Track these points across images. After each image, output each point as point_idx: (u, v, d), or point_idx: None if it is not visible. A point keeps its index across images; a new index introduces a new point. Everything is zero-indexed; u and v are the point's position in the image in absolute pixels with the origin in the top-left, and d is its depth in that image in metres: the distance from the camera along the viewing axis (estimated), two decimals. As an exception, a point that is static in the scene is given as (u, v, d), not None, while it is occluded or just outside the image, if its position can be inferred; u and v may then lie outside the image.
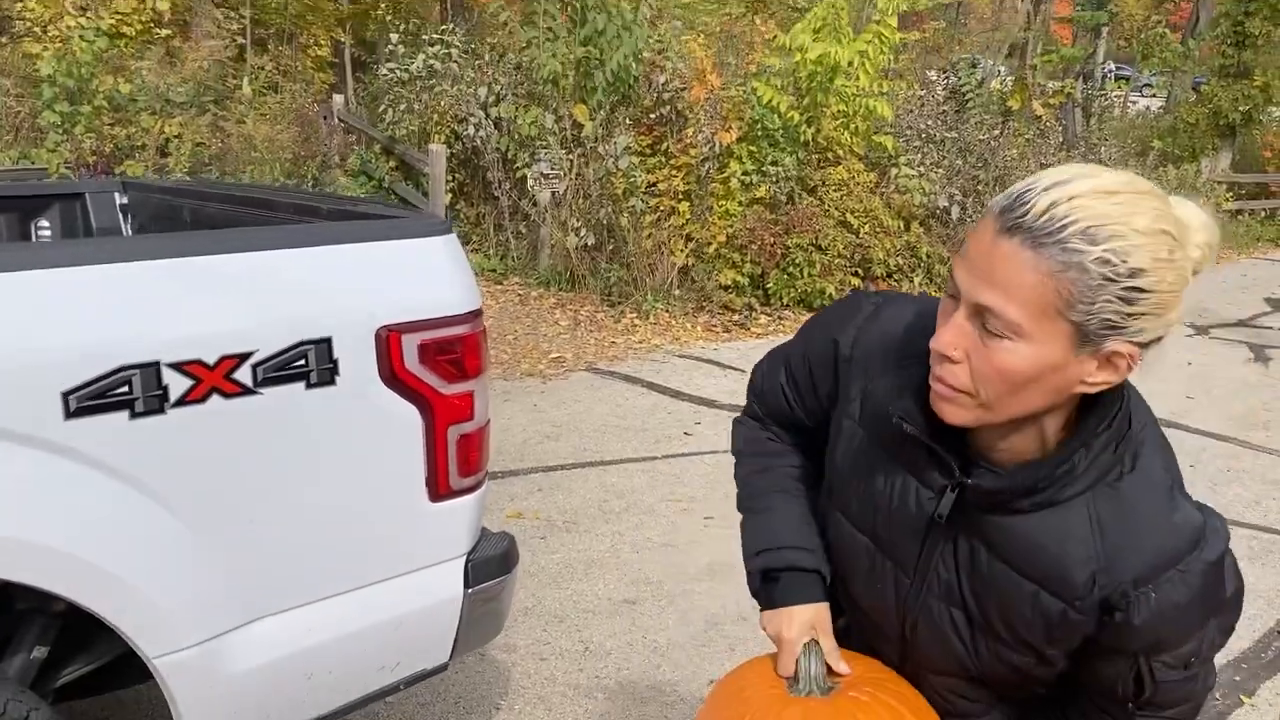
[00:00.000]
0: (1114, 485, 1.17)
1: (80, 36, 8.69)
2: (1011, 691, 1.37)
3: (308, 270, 1.93)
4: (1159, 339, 1.10)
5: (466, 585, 2.17)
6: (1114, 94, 17.70)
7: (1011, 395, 1.12)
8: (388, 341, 1.97)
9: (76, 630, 1.92)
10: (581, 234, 8.80)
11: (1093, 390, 1.13)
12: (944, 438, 1.22)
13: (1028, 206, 1.06)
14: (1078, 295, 1.05)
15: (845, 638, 1.47)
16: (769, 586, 1.46)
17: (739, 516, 1.56)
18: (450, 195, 9.60)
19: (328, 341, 1.90)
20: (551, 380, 6.71)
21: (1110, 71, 21.47)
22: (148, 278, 1.75)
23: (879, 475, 1.31)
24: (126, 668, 1.93)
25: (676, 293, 8.61)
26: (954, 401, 1.16)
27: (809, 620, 1.41)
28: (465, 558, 2.17)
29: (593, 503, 4.71)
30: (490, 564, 2.21)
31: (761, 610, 1.48)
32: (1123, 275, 1.04)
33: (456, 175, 10.00)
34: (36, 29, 10.34)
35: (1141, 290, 1.05)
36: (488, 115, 9.49)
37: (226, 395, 1.79)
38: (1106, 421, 1.17)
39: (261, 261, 1.88)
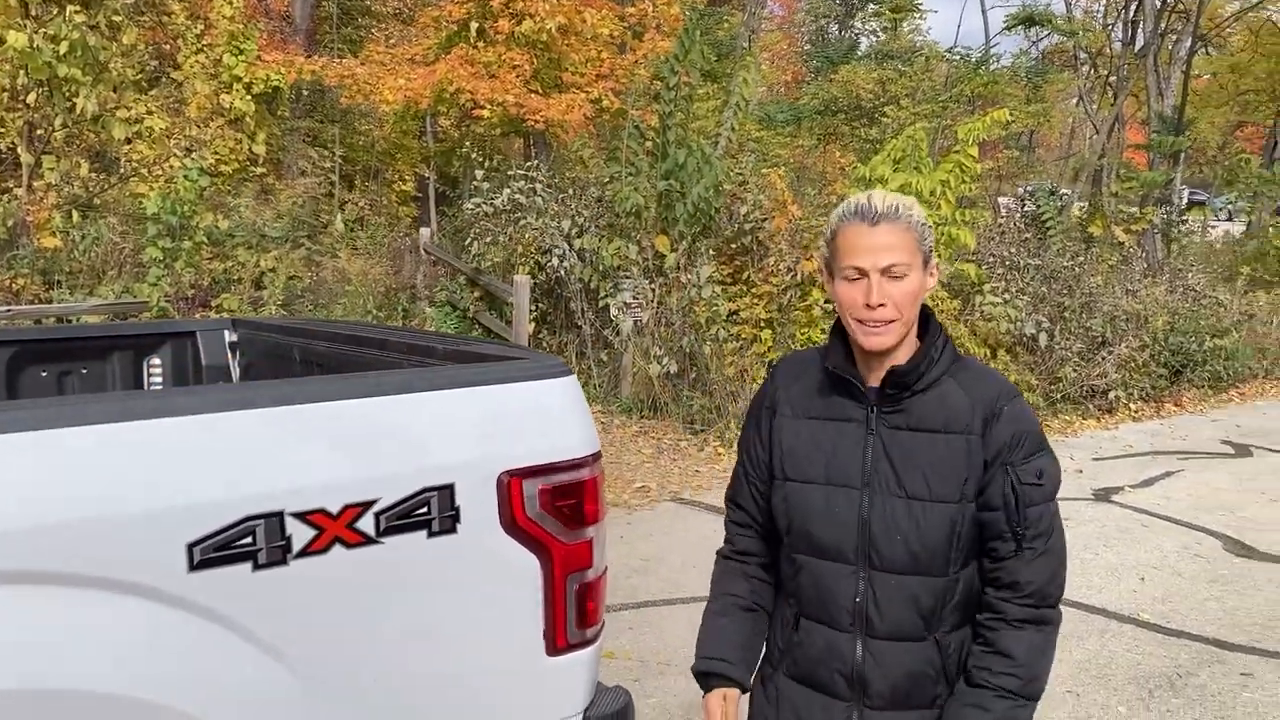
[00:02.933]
0: (959, 364, 1.82)
1: (184, 176, 9.08)
2: (944, 569, 1.77)
3: (430, 415, 1.89)
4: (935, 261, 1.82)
5: (583, 745, 2.05)
6: (1195, 219, 17.47)
7: (911, 307, 1.75)
8: (509, 487, 1.92)
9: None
10: (664, 362, 8.79)
11: (927, 293, 1.78)
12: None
13: (875, 209, 1.74)
14: (919, 238, 1.75)
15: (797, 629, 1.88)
16: (702, 678, 1.95)
17: None
18: (533, 324, 9.71)
19: (450, 488, 1.85)
20: (637, 510, 6.61)
21: (1185, 196, 21.28)
22: (272, 425, 1.72)
23: (817, 434, 1.85)
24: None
25: (760, 421, 8.51)
26: (887, 331, 1.74)
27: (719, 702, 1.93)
28: (582, 716, 2.06)
29: (687, 642, 4.49)
30: (607, 723, 2.10)
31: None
32: (926, 225, 1.77)
33: (540, 305, 10.14)
34: (143, 170, 10.88)
35: (930, 229, 1.79)
36: (571, 247, 9.65)
37: (349, 545, 1.74)
38: (937, 334, 1.81)
39: (385, 407, 1.84)
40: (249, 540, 1.65)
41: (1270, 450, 8.94)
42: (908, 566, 1.76)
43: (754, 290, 9.09)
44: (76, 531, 1.52)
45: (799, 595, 1.86)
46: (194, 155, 9.94)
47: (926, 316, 1.83)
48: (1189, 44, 19.69)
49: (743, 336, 8.89)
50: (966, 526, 1.75)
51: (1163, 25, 17.84)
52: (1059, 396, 9.98)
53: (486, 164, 11.64)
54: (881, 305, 1.72)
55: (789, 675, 1.90)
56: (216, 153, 11.97)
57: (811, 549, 1.83)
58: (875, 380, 1.81)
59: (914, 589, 1.76)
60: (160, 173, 10.57)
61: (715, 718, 1.90)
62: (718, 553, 2.05)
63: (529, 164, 11.30)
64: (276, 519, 1.67)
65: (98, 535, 1.54)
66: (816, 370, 1.88)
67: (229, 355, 3.28)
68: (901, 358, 1.79)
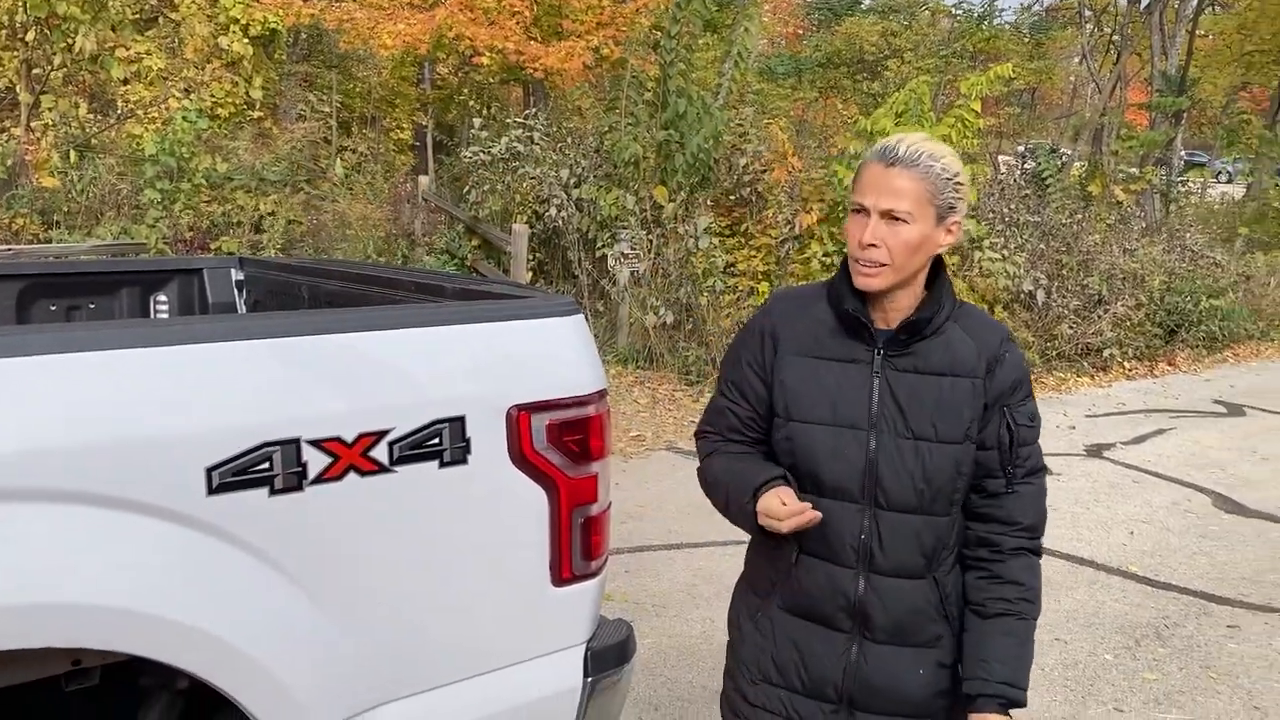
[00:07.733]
0: (961, 310, 1.87)
1: (183, 117, 9.02)
2: (947, 508, 1.84)
3: (442, 349, 1.92)
4: (961, 219, 1.81)
5: (586, 674, 2.10)
6: (1194, 181, 17.42)
7: (907, 256, 1.76)
8: (518, 421, 1.95)
9: (198, 710, 1.89)
10: (660, 313, 8.82)
11: (940, 249, 1.80)
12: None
13: (895, 153, 1.76)
14: (935, 190, 1.76)
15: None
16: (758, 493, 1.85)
17: None
18: (531, 274, 9.71)
19: (461, 420, 1.88)
20: (632, 459, 6.67)
21: (1183, 157, 21.22)
22: (290, 355, 1.75)
23: (821, 374, 1.87)
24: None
25: (756, 374, 8.56)
26: (876, 274, 1.78)
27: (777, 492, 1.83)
28: (585, 645, 2.12)
29: (681, 586, 4.62)
30: (610, 653, 2.15)
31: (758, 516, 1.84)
32: (951, 181, 1.77)
33: (537, 254, 10.14)
34: (139, 111, 10.81)
35: (960, 185, 1.79)
36: (569, 196, 9.63)
37: (363, 473, 1.78)
38: (946, 282, 1.85)
39: (399, 339, 1.87)
40: (266, 466, 1.69)
41: (1263, 410, 9.01)
42: (913, 506, 1.82)
43: (752, 242, 9.10)
44: (103, 452, 1.56)
45: (802, 532, 1.81)
46: (192, 97, 9.86)
47: (937, 263, 1.86)
48: (1195, 2, 19.53)
49: (740, 288, 8.92)
50: (969, 467, 1.83)
51: (1169, -17, 17.69)
52: (1054, 354, 10.03)
53: (485, 112, 11.59)
54: (873, 246, 1.76)
55: (784, 608, 1.93)
56: (213, 95, 11.88)
57: (817, 488, 1.85)
58: (880, 322, 1.85)
59: (917, 527, 1.83)
60: (157, 114, 10.50)
61: (785, 500, 1.78)
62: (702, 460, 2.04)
63: (527, 112, 11.23)
64: (293, 446, 1.71)
65: (123, 456, 1.57)
66: (821, 309, 1.90)
67: (236, 293, 3.30)
68: (901, 303, 1.83)
